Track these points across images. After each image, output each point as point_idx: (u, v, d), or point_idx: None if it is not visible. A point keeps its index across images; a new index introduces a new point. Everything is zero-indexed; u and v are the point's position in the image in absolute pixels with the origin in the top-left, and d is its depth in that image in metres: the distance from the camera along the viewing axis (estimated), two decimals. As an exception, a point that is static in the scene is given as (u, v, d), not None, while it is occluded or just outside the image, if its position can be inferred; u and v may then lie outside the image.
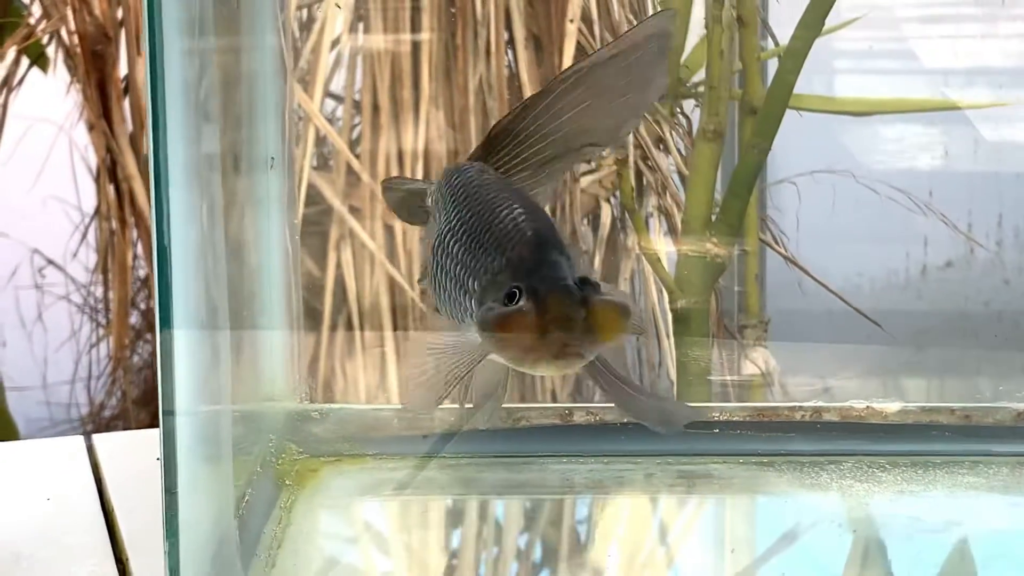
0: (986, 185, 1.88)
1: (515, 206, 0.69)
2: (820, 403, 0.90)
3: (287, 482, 0.84)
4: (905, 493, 0.82)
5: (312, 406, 0.90)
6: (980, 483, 0.84)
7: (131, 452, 0.99)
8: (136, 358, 1.77)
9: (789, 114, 1.62)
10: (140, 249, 1.71)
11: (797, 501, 0.83)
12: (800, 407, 0.90)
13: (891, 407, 0.89)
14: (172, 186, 0.64)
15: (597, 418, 0.88)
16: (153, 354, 1.80)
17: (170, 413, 0.65)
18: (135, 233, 1.66)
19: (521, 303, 0.64)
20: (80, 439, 1.02)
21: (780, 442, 0.87)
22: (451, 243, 0.71)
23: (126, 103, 1.63)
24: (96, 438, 1.01)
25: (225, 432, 0.75)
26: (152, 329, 1.76)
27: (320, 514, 0.82)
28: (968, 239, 1.81)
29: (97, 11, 1.50)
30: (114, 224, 1.66)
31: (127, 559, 0.82)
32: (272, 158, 0.88)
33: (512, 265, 0.67)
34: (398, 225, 1.52)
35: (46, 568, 0.81)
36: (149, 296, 1.74)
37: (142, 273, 1.76)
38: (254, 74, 0.85)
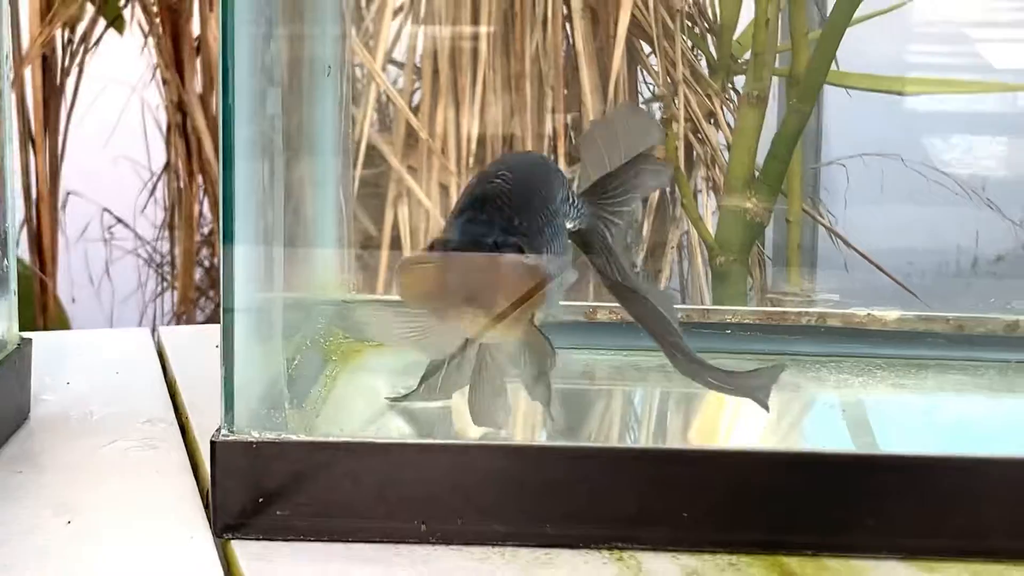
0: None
1: (499, 171, 0.76)
2: (825, 309, 0.94)
3: (333, 358, 0.90)
4: (897, 387, 0.86)
5: (358, 296, 0.96)
6: (968, 381, 0.89)
7: (194, 342, 1.06)
8: (199, 314, 1.84)
9: (840, 97, 1.67)
10: (206, 206, 1.77)
11: (797, 389, 0.87)
12: (806, 312, 0.94)
13: (890, 315, 0.93)
14: (238, 125, 0.72)
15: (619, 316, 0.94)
16: (216, 308, 1.86)
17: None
18: (202, 188, 1.73)
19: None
20: (146, 330, 1.09)
21: (786, 343, 0.92)
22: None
23: (198, 61, 1.70)
24: (162, 330, 1.08)
25: (276, 315, 0.82)
26: (215, 286, 1.82)
27: (360, 382, 0.88)
28: (1014, 224, 1.84)
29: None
30: (183, 179, 1.73)
31: (187, 417, 0.88)
32: (329, 66, 0.94)
33: (453, 218, 0.73)
34: (452, 185, 1.58)
35: (116, 421, 0.87)
36: (213, 253, 1.80)
37: (207, 230, 1.82)
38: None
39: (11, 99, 0.86)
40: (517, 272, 0.70)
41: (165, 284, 1.85)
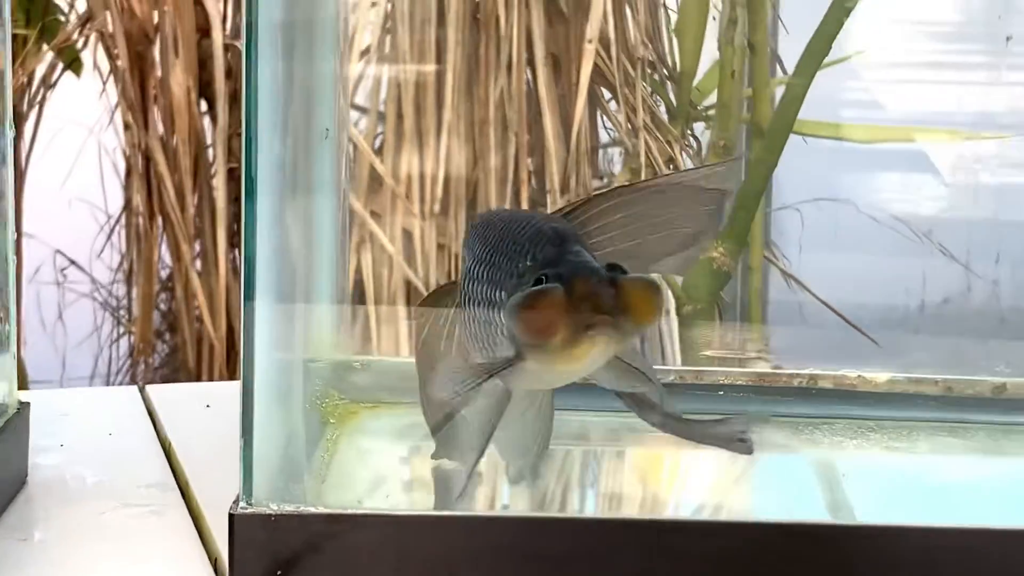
0: (985, 225, 1.94)
1: (534, 219, 0.72)
2: (816, 370, 0.96)
3: (331, 420, 0.89)
4: (891, 449, 0.87)
5: (353, 357, 0.96)
6: (959, 444, 0.90)
7: (184, 402, 1.05)
8: (156, 357, 1.82)
9: (795, 141, 1.69)
10: (165, 248, 1.76)
11: (796, 452, 0.88)
12: (797, 374, 0.95)
13: (880, 376, 0.95)
14: (261, 193, 0.72)
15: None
16: (170, 353, 1.85)
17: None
18: (163, 232, 1.72)
19: (542, 286, 0.66)
20: (134, 388, 1.09)
21: (778, 404, 0.93)
22: (478, 269, 0.72)
23: (157, 107, 1.69)
24: (149, 388, 1.07)
25: (296, 379, 0.82)
26: (172, 330, 1.81)
27: (363, 446, 0.88)
28: (967, 270, 1.87)
29: (138, 12, 1.56)
30: (142, 221, 1.72)
31: (186, 482, 0.88)
32: (327, 129, 0.94)
33: (537, 262, 0.68)
34: (416, 230, 1.58)
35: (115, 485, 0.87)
36: (172, 298, 1.79)
37: (165, 274, 1.81)
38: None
39: (9, 157, 0.86)
40: (658, 291, 0.66)
41: (121, 329, 1.84)
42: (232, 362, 1.73)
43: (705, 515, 0.79)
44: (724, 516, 0.80)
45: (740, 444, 0.73)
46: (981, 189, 1.94)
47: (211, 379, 1.71)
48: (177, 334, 1.77)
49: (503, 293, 0.70)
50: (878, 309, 1.71)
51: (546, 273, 0.67)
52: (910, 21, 1.81)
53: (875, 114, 1.72)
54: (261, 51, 0.72)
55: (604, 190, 0.75)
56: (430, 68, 1.56)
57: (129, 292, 1.80)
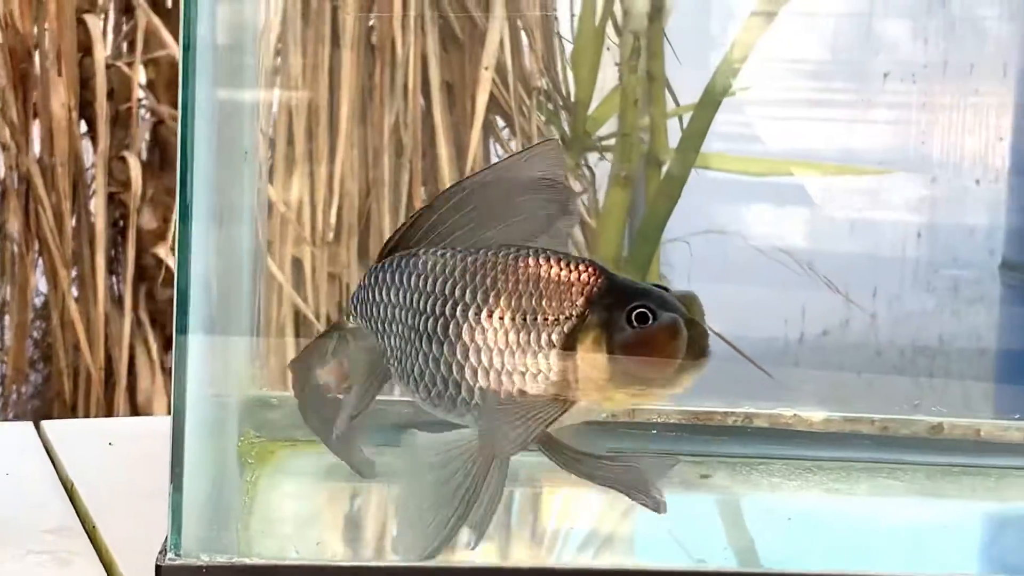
0: (862, 259, 1.95)
1: (516, 252, 0.70)
2: (751, 409, 0.94)
3: (249, 460, 0.85)
4: (831, 491, 0.85)
5: (270, 394, 0.91)
6: (899, 486, 0.89)
7: (83, 439, 1.00)
8: (28, 387, 1.75)
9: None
10: (40, 274, 1.69)
11: (735, 494, 0.86)
12: (732, 412, 0.93)
13: (816, 415, 0.93)
14: (196, 221, 0.69)
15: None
16: (44, 383, 1.78)
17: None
18: (39, 258, 1.65)
19: (664, 317, 0.66)
20: (29, 424, 1.03)
21: (713, 444, 0.91)
22: (471, 315, 0.69)
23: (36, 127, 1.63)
24: (45, 424, 1.02)
25: (230, 420, 0.78)
26: (47, 360, 1.74)
27: (284, 488, 0.84)
28: (847, 300, 1.88)
29: (21, 28, 1.50)
30: (16, 248, 1.65)
31: (93, 526, 0.83)
32: (246, 152, 0.91)
33: (601, 301, 0.68)
34: (307, 259, 1.54)
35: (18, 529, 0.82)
36: (48, 327, 1.72)
37: (39, 302, 1.74)
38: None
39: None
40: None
41: (-7, 358, 1.76)
42: (110, 394, 1.67)
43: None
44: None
45: (648, 499, 0.70)
46: (860, 224, 1.96)
47: (88, 411, 1.65)
48: (52, 363, 1.70)
49: (547, 334, 0.68)
50: (759, 341, 1.71)
51: (647, 306, 0.66)
52: (789, 59, 1.83)
53: (757, 148, 1.73)
54: (198, 73, 0.68)
55: (446, 189, 0.72)
56: (323, 92, 1.53)
57: (1, 319, 1.73)
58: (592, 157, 1.66)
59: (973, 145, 1.91)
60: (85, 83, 1.64)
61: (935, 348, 1.92)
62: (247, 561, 0.68)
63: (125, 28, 1.68)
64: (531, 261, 0.69)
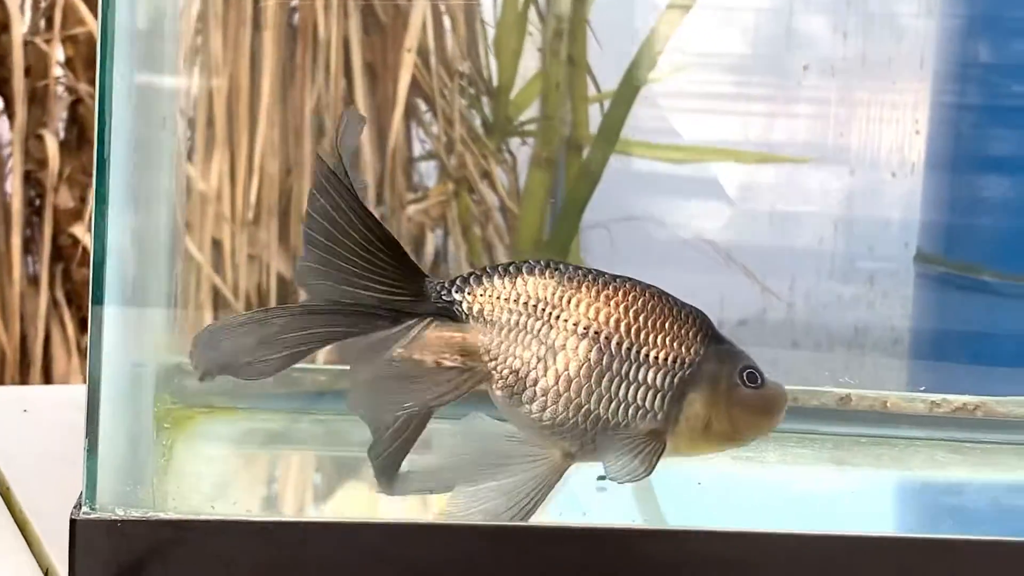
0: (780, 251, 1.97)
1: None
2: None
3: (166, 425, 0.85)
4: (741, 459, 0.86)
5: (186, 360, 0.91)
6: (809, 454, 0.90)
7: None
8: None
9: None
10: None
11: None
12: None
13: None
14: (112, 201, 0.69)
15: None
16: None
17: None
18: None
19: (772, 383, 0.70)
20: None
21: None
22: (590, 335, 0.69)
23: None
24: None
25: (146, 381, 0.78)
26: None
27: (200, 451, 0.84)
28: (764, 289, 1.90)
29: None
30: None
31: (7, 487, 0.82)
32: (164, 118, 0.90)
33: (719, 343, 0.70)
34: (226, 238, 1.53)
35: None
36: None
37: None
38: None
39: None
40: None
41: None
42: (25, 374, 1.65)
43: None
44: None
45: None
46: (778, 216, 1.98)
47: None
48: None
49: (661, 376, 0.69)
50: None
51: (755, 367, 0.70)
52: (708, 52, 1.84)
53: (677, 139, 1.74)
54: (116, 53, 0.68)
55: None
56: (244, 74, 1.52)
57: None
58: (514, 142, 1.67)
59: (890, 139, 1.93)
60: (2, 60, 1.62)
61: (850, 338, 1.95)
62: (162, 515, 0.67)
63: (43, 4, 1.66)
64: (654, 298, 0.70)
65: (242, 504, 0.78)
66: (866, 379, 1.06)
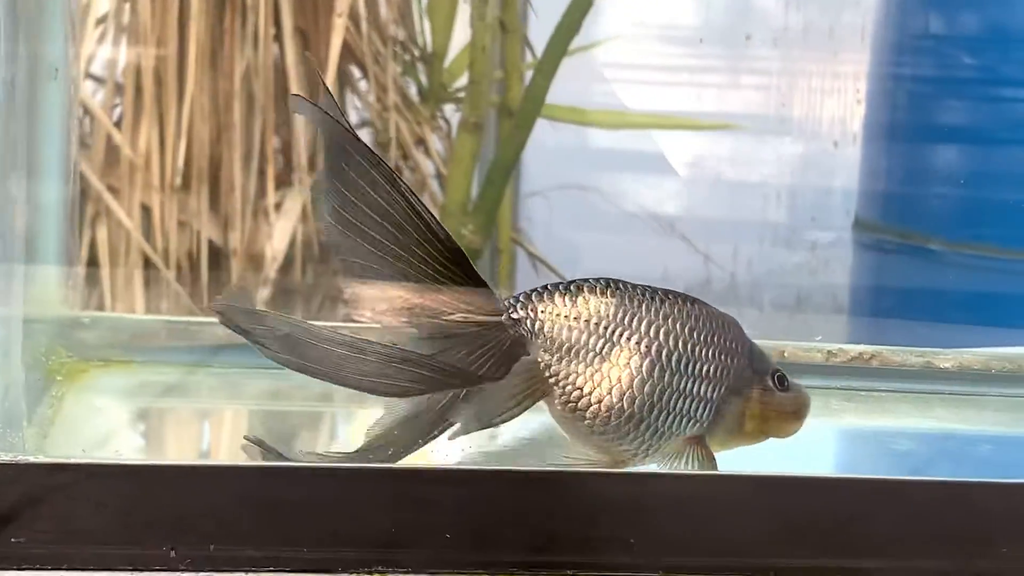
0: (724, 220, 1.97)
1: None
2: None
3: (58, 378, 0.84)
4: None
5: (82, 314, 0.90)
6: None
7: None
8: None
9: (545, 130, 1.70)
10: None
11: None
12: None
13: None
14: None
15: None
16: None
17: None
18: None
19: (795, 385, 0.74)
20: None
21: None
22: (648, 350, 0.72)
23: None
24: None
25: (14, 331, 0.77)
26: None
27: (90, 403, 0.84)
28: (707, 260, 1.90)
29: None
30: None
31: None
32: (56, 69, 0.89)
33: (753, 356, 0.74)
34: (156, 205, 1.52)
35: None
36: None
37: None
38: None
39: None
40: None
41: None
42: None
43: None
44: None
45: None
46: (721, 186, 1.98)
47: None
48: None
49: (718, 387, 0.73)
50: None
51: (780, 372, 0.74)
52: (649, 21, 1.84)
53: (615, 106, 1.74)
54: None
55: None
56: (172, 38, 1.51)
57: None
58: (449, 109, 1.66)
59: (832, 109, 1.93)
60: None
61: (792, 307, 1.95)
62: (33, 459, 0.67)
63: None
64: (700, 310, 0.73)
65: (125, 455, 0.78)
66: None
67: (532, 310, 0.71)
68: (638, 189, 1.89)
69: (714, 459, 0.73)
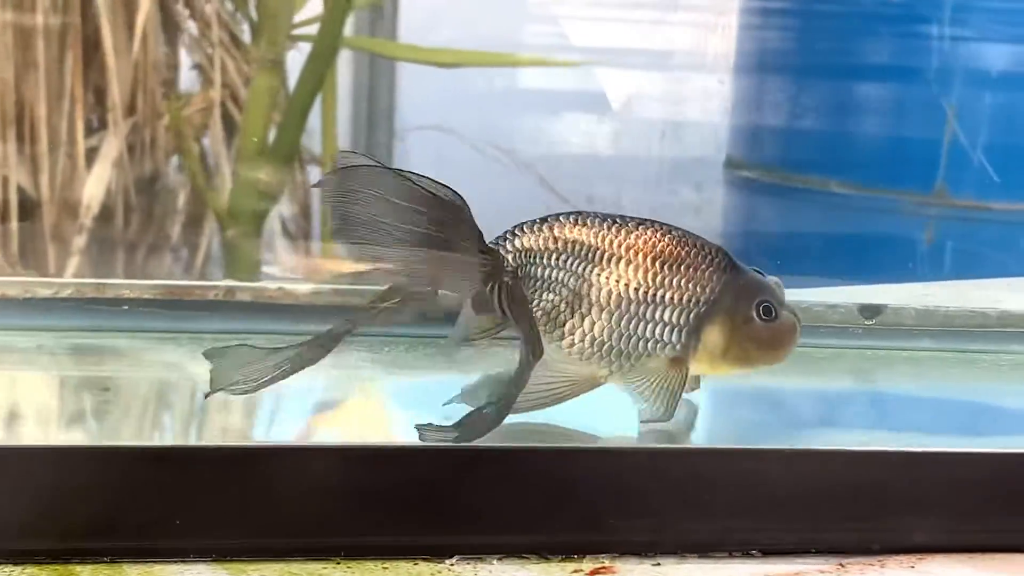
0: (602, 165, 1.92)
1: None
2: (233, 283, 0.88)
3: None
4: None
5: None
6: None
7: None
8: None
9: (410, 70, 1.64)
10: None
11: (190, 372, 0.81)
12: (215, 287, 0.87)
13: (302, 288, 0.88)
14: None
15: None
16: None
17: None
18: None
19: (785, 316, 0.76)
20: None
21: (190, 320, 0.85)
22: (613, 282, 0.75)
23: None
24: None
25: None
26: None
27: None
28: (562, 199, 1.84)
29: None
30: None
31: None
32: None
33: (737, 279, 0.76)
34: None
35: None
36: None
37: None
38: None
39: None
40: None
41: None
42: None
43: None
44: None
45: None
46: (608, 123, 1.93)
47: None
48: None
49: (678, 314, 0.75)
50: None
51: (771, 302, 0.76)
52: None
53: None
54: None
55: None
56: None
57: None
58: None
59: (715, 45, 1.87)
60: None
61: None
62: None
63: None
64: (673, 241, 0.75)
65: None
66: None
67: (505, 247, 0.74)
68: (500, 128, 1.84)
69: (696, 380, 0.78)
